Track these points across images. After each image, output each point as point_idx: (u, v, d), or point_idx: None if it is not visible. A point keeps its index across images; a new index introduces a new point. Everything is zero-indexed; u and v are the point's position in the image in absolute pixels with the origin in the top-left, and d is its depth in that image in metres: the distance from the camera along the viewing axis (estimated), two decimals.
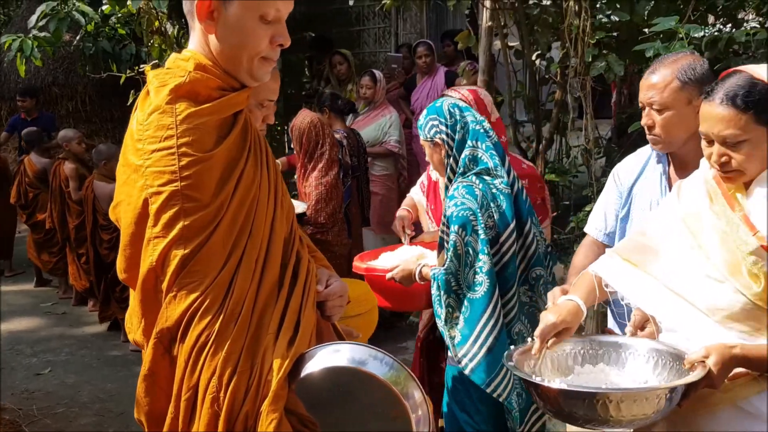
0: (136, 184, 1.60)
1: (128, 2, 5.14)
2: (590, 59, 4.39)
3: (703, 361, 1.72)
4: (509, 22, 5.37)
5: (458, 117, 2.76)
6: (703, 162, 1.94)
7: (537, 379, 1.80)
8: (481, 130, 2.77)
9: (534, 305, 2.75)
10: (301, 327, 1.64)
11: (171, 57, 1.71)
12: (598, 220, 2.64)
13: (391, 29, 9.63)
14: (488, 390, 2.61)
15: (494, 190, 2.69)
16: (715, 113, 1.78)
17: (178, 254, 1.55)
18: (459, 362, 2.65)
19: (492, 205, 2.66)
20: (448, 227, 2.67)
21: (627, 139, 5.63)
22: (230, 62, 1.65)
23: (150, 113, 1.59)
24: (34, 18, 5.49)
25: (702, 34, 3.72)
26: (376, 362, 1.61)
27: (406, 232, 3.40)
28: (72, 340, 5.70)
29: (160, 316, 1.59)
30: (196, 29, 1.67)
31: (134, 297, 1.66)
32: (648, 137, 2.36)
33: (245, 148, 1.65)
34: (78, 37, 7.82)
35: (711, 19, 5.19)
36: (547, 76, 5.63)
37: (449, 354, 2.75)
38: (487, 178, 2.71)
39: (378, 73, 5.74)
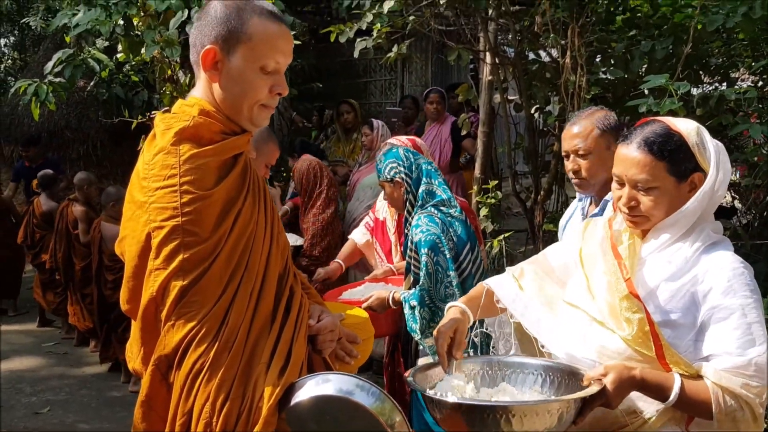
0: (140, 219, 1.70)
1: (142, 51, 5.31)
2: None
3: (600, 379, 1.73)
4: (509, 76, 5.54)
5: (412, 160, 3.29)
6: (609, 205, 2.04)
7: (430, 393, 1.81)
8: (432, 170, 3.31)
9: None
10: (292, 357, 1.72)
11: (177, 103, 1.83)
12: None
13: (397, 81, 9.90)
14: None
15: (450, 218, 3.17)
16: (631, 157, 1.83)
17: (177, 285, 1.63)
18: None
19: (450, 230, 3.12)
20: (417, 252, 3.06)
21: None
22: (232, 109, 1.77)
23: (155, 154, 1.70)
24: (50, 64, 5.67)
25: (689, 90, 3.85)
26: (363, 393, 1.68)
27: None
28: (72, 380, 5.74)
29: (158, 343, 1.68)
30: (201, 78, 1.79)
31: (135, 326, 1.75)
32: (573, 182, 2.64)
33: (244, 188, 1.75)
34: (92, 83, 8.04)
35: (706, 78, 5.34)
36: (545, 129, 5.76)
37: None
38: (443, 208, 3.20)
39: (376, 122, 5.89)
